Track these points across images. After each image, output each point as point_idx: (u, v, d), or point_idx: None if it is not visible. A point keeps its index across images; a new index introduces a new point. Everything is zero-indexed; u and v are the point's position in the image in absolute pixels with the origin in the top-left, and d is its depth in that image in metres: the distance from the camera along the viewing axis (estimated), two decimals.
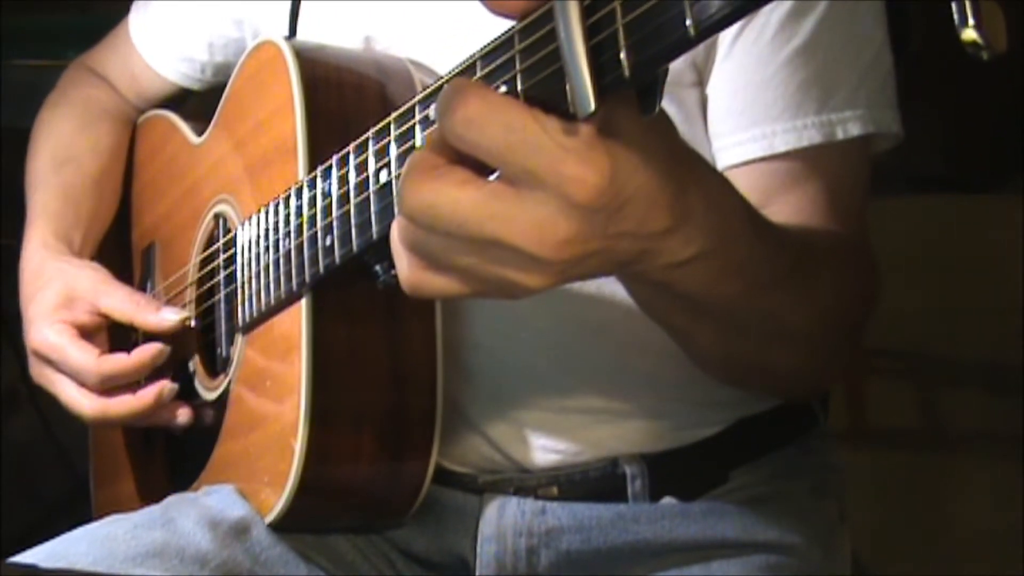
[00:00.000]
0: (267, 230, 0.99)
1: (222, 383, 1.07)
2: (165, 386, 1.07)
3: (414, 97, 0.76)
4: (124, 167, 1.29)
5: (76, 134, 1.26)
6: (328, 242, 0.89)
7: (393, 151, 0.79)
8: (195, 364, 1.12)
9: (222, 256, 1.08)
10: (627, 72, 0.59)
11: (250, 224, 1.02)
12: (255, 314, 1.01)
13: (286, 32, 1.11)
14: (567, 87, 0.61)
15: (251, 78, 1.06)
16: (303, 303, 0.95)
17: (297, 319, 0.95)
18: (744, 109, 0.96)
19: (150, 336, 1.10)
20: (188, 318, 1.10)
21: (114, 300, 1.10)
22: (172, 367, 1.10)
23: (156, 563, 0.93)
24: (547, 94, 0.62)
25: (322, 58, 1.01)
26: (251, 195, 1.03)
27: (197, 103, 1.28)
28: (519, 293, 0.66)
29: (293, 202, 0.94)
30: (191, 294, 1.13)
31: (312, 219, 0.91)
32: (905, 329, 2.70)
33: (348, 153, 0.86)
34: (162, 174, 1.23)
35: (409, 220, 0.65)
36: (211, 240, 1.11)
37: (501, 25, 0.68)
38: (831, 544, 1.10)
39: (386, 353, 0.97)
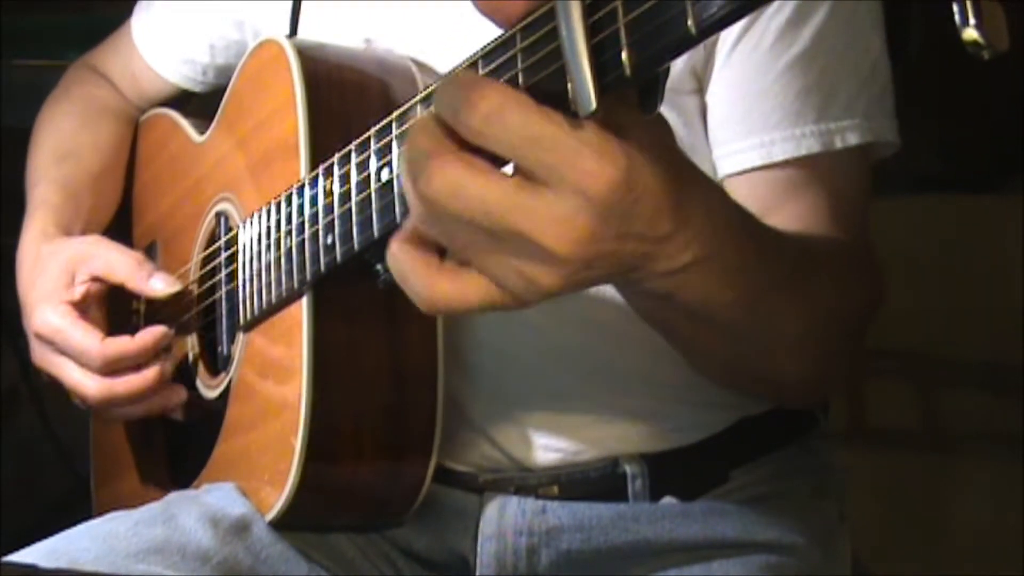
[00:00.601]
0: (268, 228, 0.99)
1: (223, 381, 1.07)
2: (167, 361, 1.07)
3: (416, 95, 0.76)
4: (125, 165, 1.29)
5: (78, 130, 1.26)
6: (329, 240, 0.89)
7: (395, 149, 0.79)
8: (196, 362, 1.12)
9: (223, 254, 1.08)
10: (628, 71, 0.59)
11: (251, 222, 1.02)
12: (256, 312, 1.01)
13: (287, 33, 1.11)
14: (568, 86, 0.61)
15: (253, 77, 1.07)
16: (304, 301, 0.95)
17: (298, 317, 0.95)
18: (743, 118, 0.96)
19: (151, 319, 1.10)
20: (178, 290, 1.09)
21: (106, 262, 1.10)
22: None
23: (157, 559, 0.93)
24: (548, 93, 0.62)
25: (324, 56, 1.01)
26: (253, 193, 1.04)
27: (199, 102, 1.28)
28: (531, 295, 0.65)
29: (295, 200, 0.95)
30: (193, 292, 1.14)
31: (313, 217, 0.91)
32: (905, 329, 2.70)
33: (350, 151, 0.86)
34: (164, 173, 1.23)
35: (431, 204, 0.63)
36: (212, 238, 1.11)
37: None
38: (831, 544, 1.10)
39: (387, 352, 0.97)
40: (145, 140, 1.29)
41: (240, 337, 1.05)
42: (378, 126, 0.82)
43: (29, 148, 1.27)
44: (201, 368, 1.11)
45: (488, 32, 0.69)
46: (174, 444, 1.16)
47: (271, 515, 0.97)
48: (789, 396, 1.01)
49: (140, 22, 1.29)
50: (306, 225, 0.92)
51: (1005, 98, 3.06)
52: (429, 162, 0.63)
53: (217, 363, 1.10)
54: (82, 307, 1.09)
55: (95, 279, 1.10)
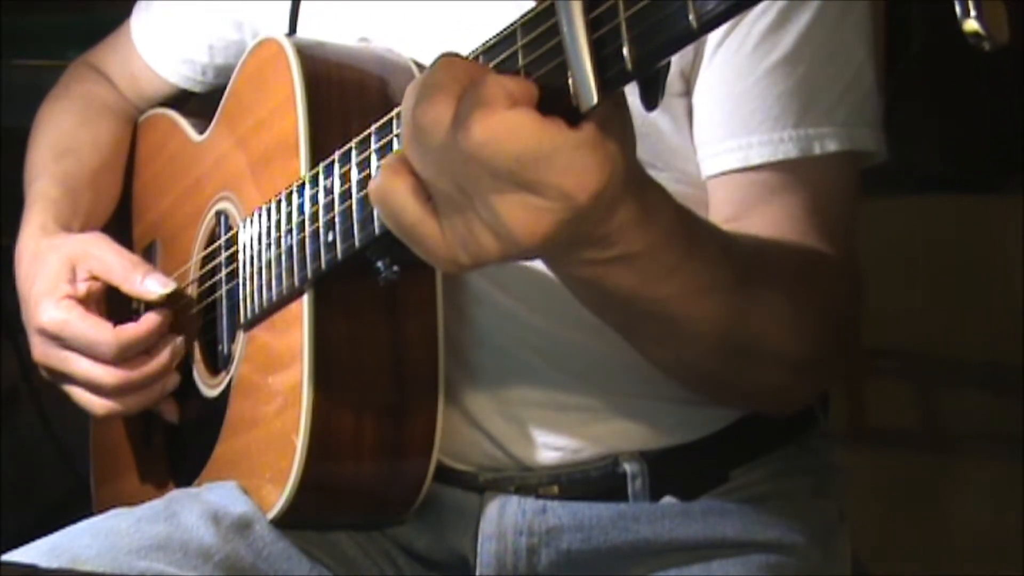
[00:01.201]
0: (269, 227, 0.99)
1: (224, 380, 1.07)
2: (176, 342, 1.08)
3: None
4: (124, 164, 1.29)
5: (77, 128, 1.26)
6: (330, 238, 0.89)
7: (395, 147, 0.79)
8: (197, 361, 1.12)
9: (224, 253, 1.08)
10: (630, 65, 0.59)
11: (252, 221, 1.02)
12: (257, 311, 1.01)
13: (286, 32, 1.11)
14: (569, 81, 0.61)
15: (253, 75, 1.07)
16: (305, 299, 0.95)
17: (299, 316, 0.95)
18: (723, 120, 0.97)
19: (151, 310, 1.10)
20: (170, 293, 1.09)
21: (102, 263, 1.10)
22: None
23: (160, 556, 0.93)
24: (550, 88, 0.63)
25: (323, 55, 1.01)
26: (253, 192, 1.04)
27: (198, 101, 1.28)
28: (469, 258, 0.70)
29: (295, 199, 0.95)
30: (193, 291, 1.14)
31: (314, 215, 0.91)
32: (905, 329, 2.70)
33: (350, 149, 0.86)
34: (164, 172, 1.23)
35: (480, 139, 0.65)
36: (213, 237, 1.11)
37: (499, 25, 0.68)
38: (831, 544, 1.10)
39: (388, 350, 0.97)
40: (145, 140, 1.29)
41: (240, 336, 1.05)
42: (379, 123, 0.83)
43: (28, 144, 1.27)
44: (201, 367, 1.11)
45: (486, 32, 0.69)
46: (174, 443, 1.16)
47: (272, 513, 0.98)
48: (761, 403, 1.01)
49: (139, 22, 1.29)
50: (307, 223, 0.93)
51: (1005, 98, 3.06)
52: (478, 108, 0.65)
53: (217, 362, 1.10)
54: (85, 303, 1.09)
55: (94, 278, 1.11)
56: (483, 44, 0.69)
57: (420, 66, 1.03)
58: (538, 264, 0.78)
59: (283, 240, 0.96)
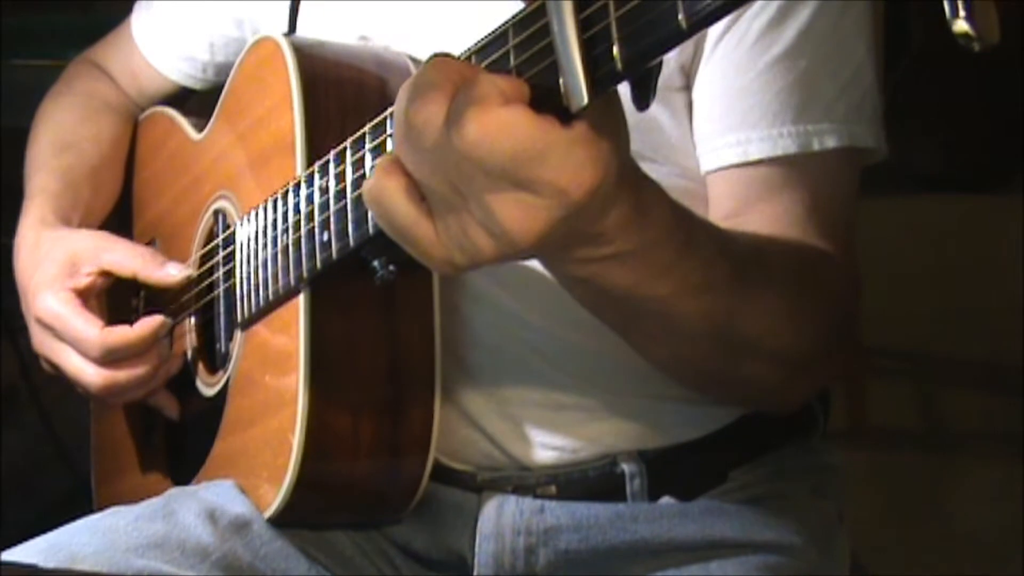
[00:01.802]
0: (265, 226, 0.99)
1: (221, 379, 1.07)
2: (165, 349, 1.08)
3: None
4: (124, 160, 1.29)
5: (78, 124, 1.27)
6: (325, 237, 0.89)
7: (390, 147, 0.79)
8: (195, 360, 1.12)
9: (221, 252, 1.08)
10: (620, 65, 0.59)
11: (249, 220, 1.02)
12: (254, 310, 1.01)
13: (285, 31, 1.11)
14: (560, 81, 0.61)
15: (250, 74, 1.07)
16: (301, 298, 0.95)
17: (295, 314, 0.96)
18: (723, 114, 0.97)
19: (151, 308, 1.10)
20: (192, 276, 1.10)
21: (117, 255, 1.11)
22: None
23: (157, 554, 0.94)
24: (541, 89, 0.63)
25: (321, 54, 1.01)
26: (250, 191, 1.04)
27: (198, 99, 1.28)
28: (465, 258, 0.70)
29: (291, 198, 0.95)
30: (191, 290, 1.14)
31: (309, 214, 0.92)
32: (905, 329, 2.70)
33: (345, 149, 0.86)
34: (163, 170, 1.24)
35: (473, 137, 0.65)
36: (211, 236, 1.12)
37: (495, 23, 0.68)
38: (830, 545, 1.09)
39: (384, 349, 0.97)
40: (144, 138, 1.29)
41: (238, 334, 1.05)
42: (373, 123, 0.83)
43: (29, 140, 1.28)
44: (200, 366, 1.12)
45: (483, 31, 0.69)
46: (174, 442, 1.16)
47: (269, 512, 0.98)
48: (759, 400, 1.01)
49: (140, 20, 1.29)
50: (302, 222, 0.93)
51: (1005, 98, 3.06)
52: (471, 107, 0.65)
53: (215, 360, 1.10)
54: (84, 296, 1.09)
55: (104, 273, 1.11)
56: (475, 44, 0.69)
57: (418, 64, 1.03)
58: (535, 263, 0.78)
59: (279, 239, 0.96)
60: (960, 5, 0.52)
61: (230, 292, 1.06)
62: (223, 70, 1.22)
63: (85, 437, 1.33)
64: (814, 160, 0.95)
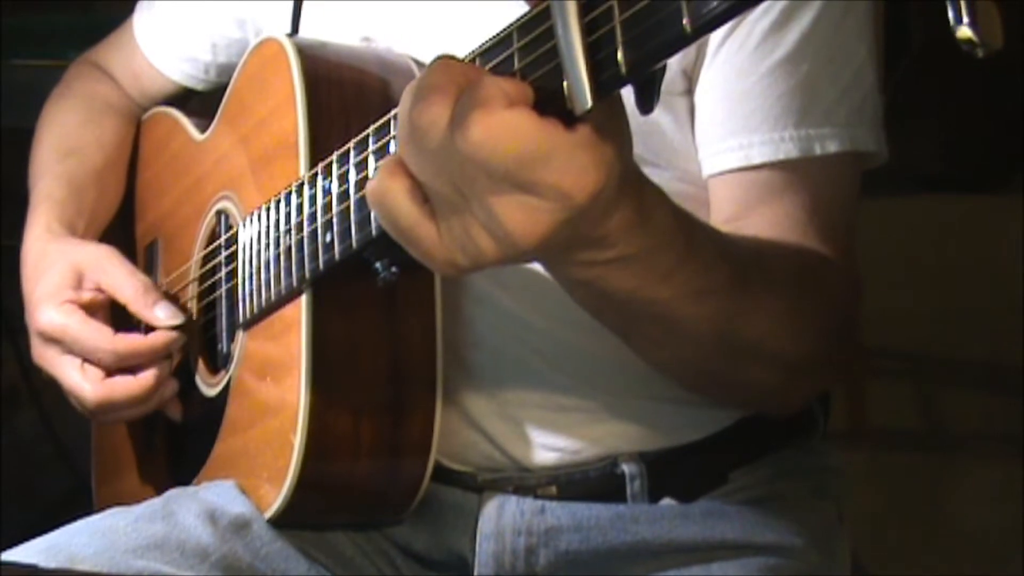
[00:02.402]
0: (267, 227, 0.99)
1: (223, 379, 1.07)
2: (164, 365, 1.07)
3: None
4: (128, 162, 1.29)
5: (81, 127, 1.27)
6: (328, 238, 0.89)
7: (393, 148, 0.79)
8: (196, 360, 1.12)
9: (224, 253, 1.08)
10: (624, 69, 0.59)
11: (251, 221, 1.02)
12: (256, 310, 1.01)
13: (288, 31, 1.11)
14: (564, 84, 0.61)
15: (254, 75, 1.07)
16: (303, 299, 0.95)
17: (297, 315, 0.96)
18: (725, 119, 0.97)
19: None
20: (182, 324, 1.09)
21: (114, 279, 1.10)
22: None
23: (157, 555, 0.94)
24: (545, 91, 0.63)
25: (324, 55, 1.01)
26: (253, 192, 1.04)
27: (200, 100, 1.28)
28: (468, 260, 0.70)
29: (294, 199, 0.95)
30: (193, 290, 1.14)
31: (312, 216, 0.92)
32: (905, 329, 2.70)
33: (348, 150, 0.87)
34: (165, 171, 1.24)
35: (477, 139, 0.65)
36: (213, 237, 1.12)
37: (500, 25, 0.68)
38: (830, 546, 1.10)
39: (386, 350, 0.97)
40: (147, 139, 1.29)
41: (240, 335, 1.05)
42: (376, 124, 0.83)
43: (32, 144, 1.27)
44: (201, 366, 1.12)
45: (486, 32, 0.69)
46: (175, 442, 1.16)
47: (270, 512, 0.98)
48: (759, 403, 1.02)
49: (142, 20, 1.29)
50: (305, 223, 0.93)
51: (1005, 98, 3.06)
52: (476, 108, 0.65)
53: (217, 361, 1.10)
54: (88, 309, 1.09)
55: (100, 290, 1.11)
56: (479, 47, 0.69)
57: (421, 66, 1.03)
58: (537, 265, 0.78)
59: (281, 240, 0.96)
60: (964, 11, 0.52)
61: (232, 293, 1.06)
62: (225, 71, 1.22)
63: (85, 437, 1.33)
64: (815, 164, 0.95)
